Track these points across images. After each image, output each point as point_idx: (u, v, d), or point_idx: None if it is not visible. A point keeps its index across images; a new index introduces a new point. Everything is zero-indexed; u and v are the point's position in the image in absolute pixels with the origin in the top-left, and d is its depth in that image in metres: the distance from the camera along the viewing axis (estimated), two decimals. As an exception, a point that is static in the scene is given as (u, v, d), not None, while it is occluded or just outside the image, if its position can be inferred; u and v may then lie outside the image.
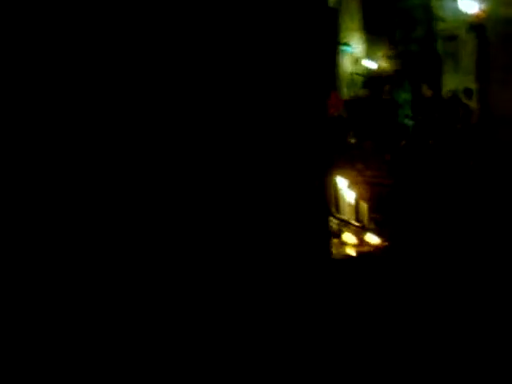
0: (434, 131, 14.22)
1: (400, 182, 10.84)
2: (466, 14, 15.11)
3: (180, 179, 2.08)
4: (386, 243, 5.77)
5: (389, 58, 21.62)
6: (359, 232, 6.03)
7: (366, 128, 14.85)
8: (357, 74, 20.53)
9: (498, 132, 7.43)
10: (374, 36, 21.13)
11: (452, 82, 16.52)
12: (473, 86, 16.29)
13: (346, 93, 19.30)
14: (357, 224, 6.19)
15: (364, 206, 6.23)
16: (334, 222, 5.81)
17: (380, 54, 21.82)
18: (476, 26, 14.81)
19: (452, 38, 16.62)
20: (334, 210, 6.08)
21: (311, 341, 2.39)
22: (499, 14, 6.34)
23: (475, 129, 13.10)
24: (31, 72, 2.02)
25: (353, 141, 14.22)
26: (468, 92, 15.27)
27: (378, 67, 20.86)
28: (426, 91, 17.37)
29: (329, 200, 2.81)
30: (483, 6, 14.21)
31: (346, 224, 6.14)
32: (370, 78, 19.93)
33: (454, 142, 12.47)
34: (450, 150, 11.89)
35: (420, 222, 7.99)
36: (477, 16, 14.52)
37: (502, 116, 7.23)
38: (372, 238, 5.94)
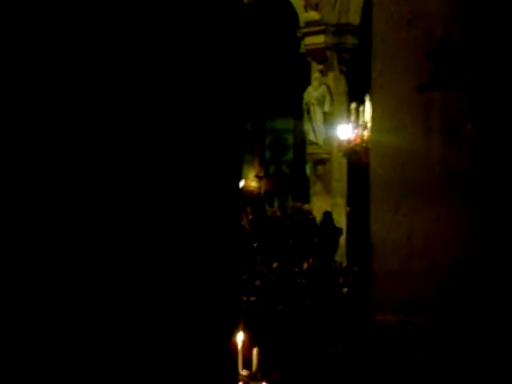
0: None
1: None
2: (339, 139, 15.31)
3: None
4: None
5: (258, 177, 21.76)
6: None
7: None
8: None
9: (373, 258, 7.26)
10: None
11: (321, 204, 16.54)
12: (342, 208, 16.43)
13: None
14: (243, 373, 5.59)
15: (253, 350, 5.67)
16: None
17: (251, 173, 21.94)
18: (349, 150, 14.97)
19: (324, 161, 16.76)
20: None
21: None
22: (383, 140, 6.40)
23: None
24: (29, 71, 1.68)
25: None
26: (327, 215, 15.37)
27: (246, 186, 20.83)
28: (277, 211, 17.26)
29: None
30: (358, 132, 14.44)
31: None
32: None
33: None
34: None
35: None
36: (350, 141, 14.70)
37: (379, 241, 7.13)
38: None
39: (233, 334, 2.55)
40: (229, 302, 2.33)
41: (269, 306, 10.55)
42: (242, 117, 2.46)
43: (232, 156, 2.30)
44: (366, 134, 14.12)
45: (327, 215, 15.04)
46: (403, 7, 7.92)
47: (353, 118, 15.15)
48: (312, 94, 16.60)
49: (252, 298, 10.87)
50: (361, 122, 14.88)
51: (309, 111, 16.64)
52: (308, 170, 19.40)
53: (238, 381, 5.07)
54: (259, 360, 5.58)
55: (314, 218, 15.58)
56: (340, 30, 16.61)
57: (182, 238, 2.15)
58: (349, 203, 16.85)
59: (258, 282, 11.63)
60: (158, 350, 2.10)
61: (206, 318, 2.23)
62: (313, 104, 16.55)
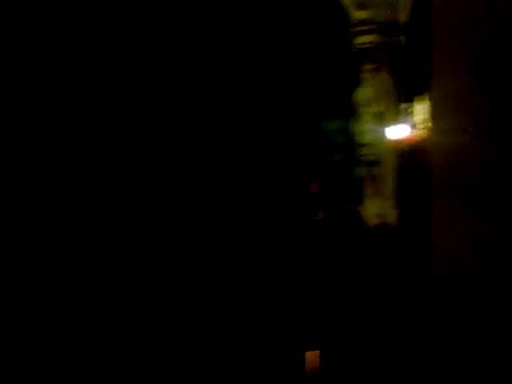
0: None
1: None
2: (392, 140, 15.20)
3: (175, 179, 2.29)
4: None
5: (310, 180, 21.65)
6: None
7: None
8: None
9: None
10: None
11: (373, 207, 16.41)
12: (394, 210, 16.26)
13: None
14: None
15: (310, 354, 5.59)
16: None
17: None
18: (400, 151, 14.87)
19: (375, 162, 16.63)
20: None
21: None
22: (443, 141, 6.36)
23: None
24: (31, 72, 2.10)
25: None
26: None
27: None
28: (328, 213, 17.30)
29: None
30: (409, 132, 14.33)
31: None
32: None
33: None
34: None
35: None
36: (403, 142, 14.61)
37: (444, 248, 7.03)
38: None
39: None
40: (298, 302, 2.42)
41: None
42: (310, 122, 2.49)
43: (299, 158, 2.36)
44: (418, 134, 14.01)
45: (382, 217, 14.92)
46: (461, 7, 7.80)
47: (404, 118, 15.04)
48: (363, 94, 16.51)
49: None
50: (412, 123, 14.76)
51: (359, 112, 16.55)
52: (360, 172, 19.31)
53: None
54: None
55: (366, 221, 15.49)
56: (390, 29, 16.48)
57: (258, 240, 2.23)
58: (400, 205, 16.68)
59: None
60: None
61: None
62: (363, 104, 16.46)
